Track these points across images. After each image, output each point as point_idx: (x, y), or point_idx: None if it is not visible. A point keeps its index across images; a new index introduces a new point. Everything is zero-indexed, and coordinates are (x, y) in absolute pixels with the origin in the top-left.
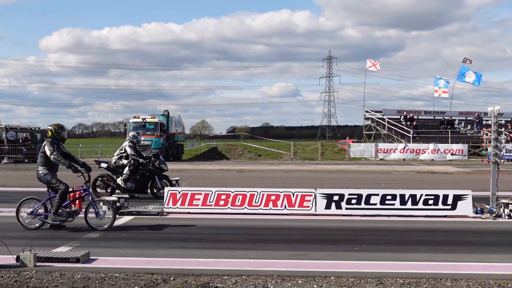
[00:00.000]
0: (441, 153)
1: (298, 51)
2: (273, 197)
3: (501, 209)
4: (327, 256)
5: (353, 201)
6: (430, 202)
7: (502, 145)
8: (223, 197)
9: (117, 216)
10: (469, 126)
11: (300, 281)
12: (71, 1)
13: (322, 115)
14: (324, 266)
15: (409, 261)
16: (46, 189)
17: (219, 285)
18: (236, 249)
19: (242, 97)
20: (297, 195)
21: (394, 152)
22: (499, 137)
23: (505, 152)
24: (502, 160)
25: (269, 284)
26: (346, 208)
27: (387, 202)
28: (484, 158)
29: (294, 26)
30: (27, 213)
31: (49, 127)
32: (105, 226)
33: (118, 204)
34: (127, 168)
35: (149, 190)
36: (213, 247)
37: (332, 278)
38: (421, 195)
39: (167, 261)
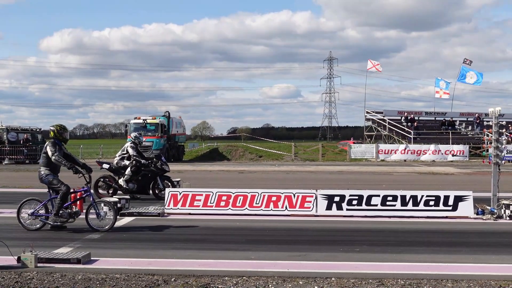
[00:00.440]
0: (442, 154)
1: (298, 52)
2: (274, 198)
3: (502, 210)
4: (327, 257)
5: (354, 202)
6: (431, 203)
7: (503, 146)
8: (224, 198)
9: (118, 217)
10: (470, 127)
11: (301, 282)
12: (72, 1)
13: (323, 116)
14: (325, 267)
15: (410, 262)
16: (47, 190)
17: (220, 286)
18: (237, 250)
19: (243, 98)
20: (298, 196)
21: (395, 153)
22: (500, 138)
23: (506, 153)
24: (503, 161)
25: (269, 285)
26: (347, 209)
27: (388, 203)
28: (485, 159)
29: (294, 26)
30: (28, 214)
31: (51, 128)
32: (106, 227)
33: (119, 205)
34: (129, 169)
35: (151, 191)
36: (214, 248)
37: (333, 279)
38: (422, 196)
39: (168, 262)
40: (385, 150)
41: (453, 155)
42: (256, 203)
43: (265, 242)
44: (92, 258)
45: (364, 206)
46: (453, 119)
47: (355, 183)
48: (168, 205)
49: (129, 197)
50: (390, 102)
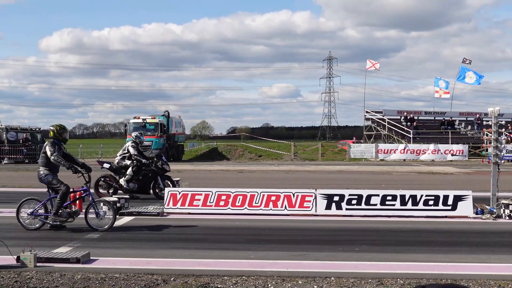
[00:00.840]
0: (442, 153)
1: (298, 51)
2: (273, 198)
3: (502, 210)
4: (327, 257)
5: (354, 201)
6: (431, 202)
7: (503, 145)
8: (224, 197)
9: (117, 216)
10: (469, 127)
11: (300, 282)
12: (71, 1)
13: (322, 115)
14: (324, 267)
15: (409, 262)
16: (46, 189)
17: (219, 286)
18: (236, 249)
19: (243, 97)
20: (297, 196)
21: (395, 152)
22: (499, 137)
23: (506, 153)
24: (503, 161)
25: (269, 285)
26: (347, 209)
27: (387, 202)
28: (484, 158)
29: (294, 26)
30: (28, 214)
31: (51, 128)
32: (106, 227)
33: (118, 205)
34: (130, 169)
35: (151, 191)
36: (214, 247)
37: (332, 278)
38: (422, 195)
39: (168, 261)
40: (384, 149)
41: (452, 155)
42: (255, 203)
43: (265, 241)
44: (91, 258)
45: (363, 206)
46: (453, 118)
47: (354, 183)
48: (168, 205)
49: (128, 196)
50: (389, 102)
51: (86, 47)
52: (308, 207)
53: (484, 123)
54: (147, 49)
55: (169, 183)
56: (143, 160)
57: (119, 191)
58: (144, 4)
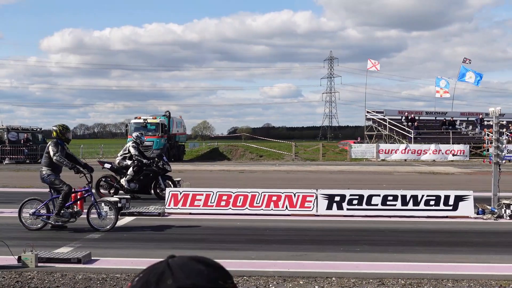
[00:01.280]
0: (443, 153)
1: (299, 51)
2: (274, 198)
3: (503, 210)
4: (328, 257)
5: (355, 201)
6: (432, 202)
7: (504, 145)
8: (225, 197)
9: (118, 217)
10: (470, 127)
11: (301, 282)
12: (72, 1)
13: (323, 115)
14: (325, 267)
15: (410, 262)
16: (48, 189)
17: None
18: (237, 249)
19: (244, 97)
20: (298, 196)
21: (396, 152)
22: (500, 137)
23: (507, 153)
24: (504, 161)
25: (270, 285)
26: (348, 209)
27: (388, 202)
28: (485, 158)
29: (295, 26)
30: (30, 214)
31: (54, 128)
32: (107, 227)
33: (119, 205)
34: (131, 169)
35: (152, 191)
36: (214, 247)
37: (333, 278)
38: (423, 195)
39: None
40: (385, 149)
41: (453, 155)
42: (256, 203)
43: (266, 241)
44: (92, 258)
45: (364, 206)
46: (454, 118)
47: (355, 183)
48: (169, 205)
49: (129, 196)
50: (390, 101)
51: (87, 47)
52: (309, 207)
53: (485, 123)
54: (148, 49)
55: (170, 183)
56: (144, 160)
57: (120, 191)
58: (145, 4)
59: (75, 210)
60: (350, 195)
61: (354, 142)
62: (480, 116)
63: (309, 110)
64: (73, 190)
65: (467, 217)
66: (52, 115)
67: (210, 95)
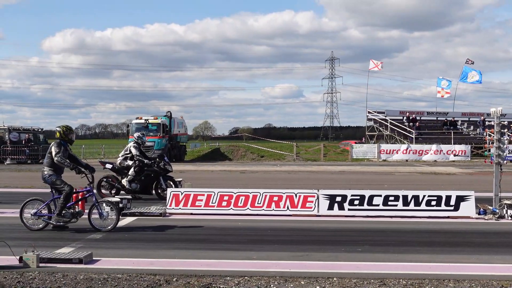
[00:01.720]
0: (444, 154)
1: (300, 52)
2: (275, 198)
3: (504, 210)
4: (329, 257)
5: (356, 202)
6: (433, 203)
7: (505, 146)
8: (226, 198)
9: (120, 217)
10: (471, 127)
11: (302, 282)
12: (74, 1)
13: (325, 116)
14: (326, 267)
15: (411, 262)
16: (49, 190)
17: (221, 286)
18: (238, 250)
19: (245, 98)
20: (299, 196)
21: (397, 153)
22: (502, 138)
23: (508, 153)
24: (505, 161)
25: (271, 285)
26: (349, 209)
27: (389, 203)
28: (487, 159)
29: (296, 26)
30: (31, 214)
31: (58, 129)
32: (109, 227)
33: (120, 205)
34: (132, 169)
35: (153, 191)
36: (216, 248)
37: (334, 279)
38: (424, 196)
39: (170, 262)
40: (386, 150)
41: (455, 155)
42: (258, 203)
43: (267, 242)
44: (94, 258)
45: (366, 206)
46: (455, 119)
47: (356, 183)
48: (170, 205)
49: (131, 197)
50: (392, 102)
51: (88, 48)
52: (311, 207)
53: (487, 123)
54: (150, 49)
55: (171, 183)
56: (145, 161)
57: (122, 192)
58: (146, 4)
59: (77, 210)
60: (352, 195)
61: (356, 143)
62: (483, 117)
63: (310, 111)
64: (74, 190)
65: (469, 217)
66: (54, 115)
67: (211, 96)
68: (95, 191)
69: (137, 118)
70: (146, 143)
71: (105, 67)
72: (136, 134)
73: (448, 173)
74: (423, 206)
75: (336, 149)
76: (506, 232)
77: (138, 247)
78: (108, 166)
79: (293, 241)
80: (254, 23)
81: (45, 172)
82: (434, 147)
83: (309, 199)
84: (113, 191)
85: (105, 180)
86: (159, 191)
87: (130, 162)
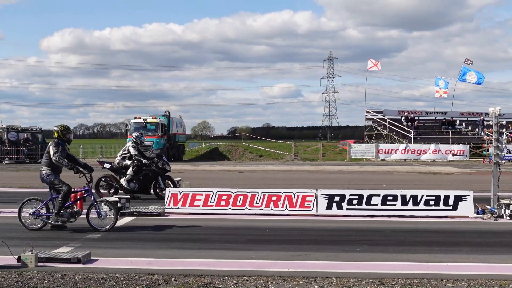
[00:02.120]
0: (442, 153)
1: (299, 51)
2: (274, 198)
3: (502, 210)
4: (328, 257)
5: (354, 201)
6: (431, 202)
7: (503, 145)
8: (224, 197)
9: (118, 216)
10: (470, 127)
11: (301, 282)
12: (72, 1)
13: (323, 115)
14: (325, 267)
15: (410, 262)
16: (47, 189)
17: (220, 286)
18: (237, 249)
19: (244, 97)
20: (298, 196)
21: (395, 152)
22: (500, 137)
23: (506, 153)
24: (503, 161)
25: (270, 285)
26: (347, 209)
27: (388, 202)
28: (485, 158)
29: (295, 26)
30: (29, 214)
31: (56, 128)
32: (107, 227)
33: (119, 205)
34: (130, 169)
35: (152, 191)
36: (214, 247)
37: (333, 278)
38: (422, 195)
39: (168, 261)
40: (385, 149)
41: (453, 155)
42: (256, 203)
43: (266, 241)
44: (92, 258)
45: (364, 206)
46: (454, 118)
47: (355, 183)
48: (168, 205)
49: (129, 196)
50: (391, 101)
51: (87, 47)
52: (309, 207)
53: (485, 123)
54: (148, 49)
55: (169, 183)
56: (144, 160)
57: (120, 191)
58: (145, 4)
59: (75, 210)
60: (350, 195)
61: (354, 142)
62: (482, 117)
63: (309, 110)
64: (72, 190)
65: (467, 217)
66: (52, 115)
67: (210, 95)
68: (93, 190)
69: (135, 118)
70: (145, 142)
71: (103, 67)
72: (134, 134)
73: (446, 173)
74: (421, 206)
75: (334, 149)
76: (505, 231)
77: (137, 247)
78: (107, 165)
79: (292, 241)
80: (253, 23)
81: (43, 172)
82: (432, 146)
83: (308, 198)
84: (111, 191)
85: (103, 179)
86: (158, 191)
87: (128, 162)
